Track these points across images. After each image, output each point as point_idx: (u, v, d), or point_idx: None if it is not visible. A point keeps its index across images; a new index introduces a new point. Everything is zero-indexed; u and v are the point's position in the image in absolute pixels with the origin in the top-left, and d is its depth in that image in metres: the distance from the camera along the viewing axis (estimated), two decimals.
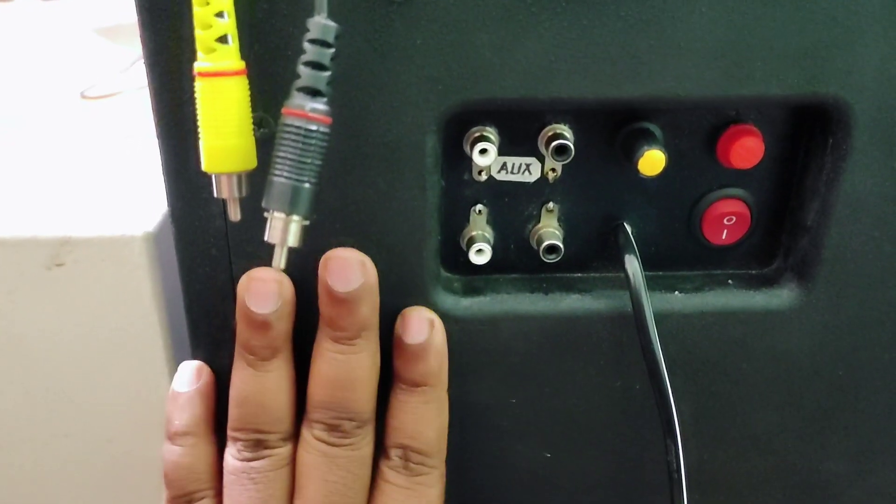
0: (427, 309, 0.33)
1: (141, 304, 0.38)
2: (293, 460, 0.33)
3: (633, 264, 0.33)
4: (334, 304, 0.31)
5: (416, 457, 0.33)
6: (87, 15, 0.80)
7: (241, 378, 0.32)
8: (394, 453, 0.34)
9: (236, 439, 0.33)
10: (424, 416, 0.33)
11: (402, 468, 0.33)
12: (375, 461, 0.34)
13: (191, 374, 0.34)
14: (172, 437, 0.34)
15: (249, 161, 0.28)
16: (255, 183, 0.29)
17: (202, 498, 0.34)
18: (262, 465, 0.33)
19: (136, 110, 0.59)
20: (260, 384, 0.32)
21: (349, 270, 0.31)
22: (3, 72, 0.67)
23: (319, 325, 0.32)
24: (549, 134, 0.32)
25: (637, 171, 0.32)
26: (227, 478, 0.33)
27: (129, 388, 0.40)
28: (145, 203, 0.39)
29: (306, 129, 0.27)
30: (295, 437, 0.33)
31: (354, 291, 0.31)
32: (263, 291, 0.31)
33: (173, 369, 0.40)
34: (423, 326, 0.33)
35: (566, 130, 0.33)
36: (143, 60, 0.29)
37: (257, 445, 0.33)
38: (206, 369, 0.34)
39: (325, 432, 0.32)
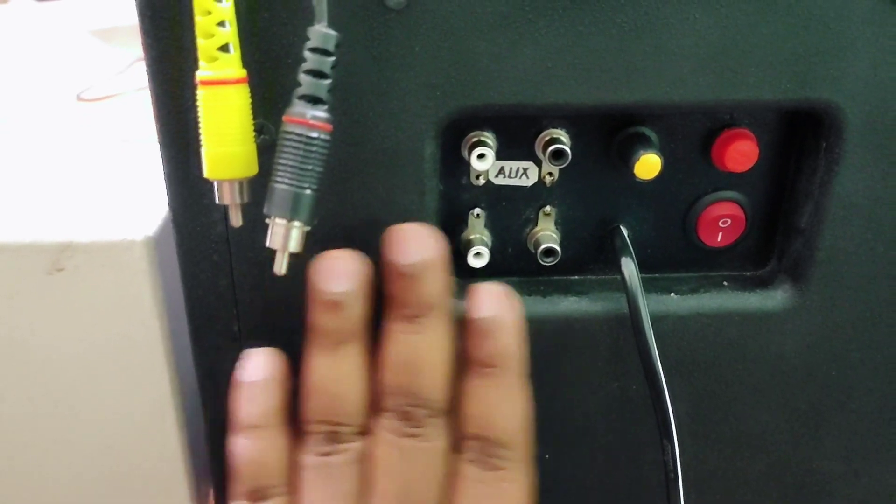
0: (501, 284, 0.31)
1: (142, 309, 0.38)
2: (368, 455, 0.31)
3: (629, 267, 0.34)
4: (398, 279, 0.29)
5: (494, 449, 0.30)
6: (83, 17, 0.80)
7: (315, 366, 0.31)
8: (470, 445, 0.31)
9: (311, 432, 0.31)
10: (500, 403, 0.30)
11: (479, 462, 0.30)
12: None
13: (261, 362, 0.32)
14: (242, 429, 0.32)
15: (251, 168, 0.29)
16: (256, 189, 0.29)
17: (276, 494, 0.32)
18: (338, 461, 0.31)
19: (132, 112, 0.59)
20: (334, 372, 0.30)
21: (411, 242, 0.29)
22: (1, 74, 0.67)
23: (386, 306, 0.30)
24: (546, 139, 0.33)
25: (633, 174, 0.32)
26: (303, 473, 0.31)
27: (130, 394, 0.40)
28: (145, 207, 0.39)
29: (307, 137, 0.27)
30: (369, 431, 0.31)
31: (417, 264, 0.29)
32: (337, 270, 0.29)
33: (174, 375, 0.40)
34: (491, 300, 0.30)
35: (563, 135, 0.33)
36: (141, 62, 0.29)
37: (333, 439, 0.31)
38: (279, 356, 0.32)
39: (396, 421, 0.30)
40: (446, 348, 0.30)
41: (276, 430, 0.32)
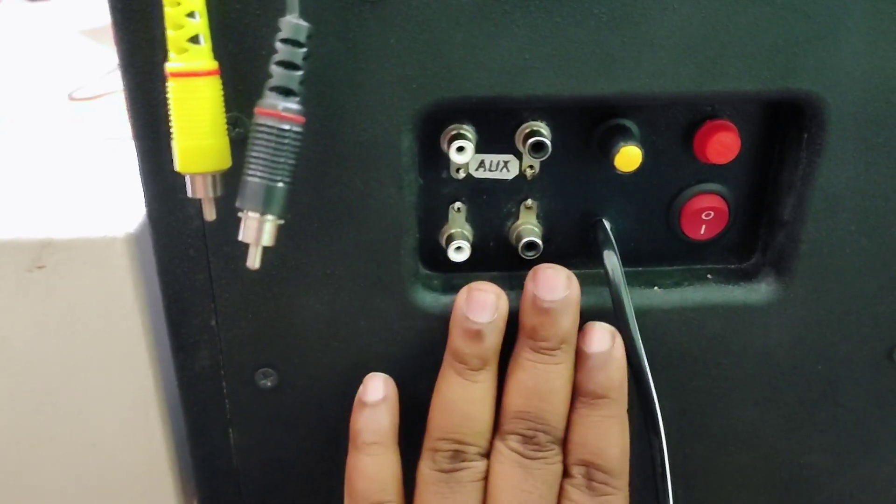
0: (607, 325, 0.34)
1: (123, 306, 0.38)
2: (486, 477, 0.33)
3: (612, 260, 0.33)
4: (538, 313, 0.32)
5: (600, 475, 0.33)
6: (74, 16, 0.80)
7: (449, 387, 0.33)
8: (577, 471, 0.33)
9: (436, 449, 0.33)
10: (607, 432, 0.33)
11: (585, 487, 0.33)
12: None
13: (379, 385, 0.34)
14: (361, 446, 0.34)
15: (223, 161, 0.28)
16: (231, 183, 0.29)
17: None
18: (460, 476, 0.33)
19: (123, 112, 0.59)
20: (468, 394, 0.33)
21: (556, 281, 0.32)
22: None
23: (519, 337, 0.33)
24: (526, 131, 0.32)
25: (614, 167, 0.32)
26: (422, 487, 0.33)
27: (113, 391, 0.40)
28: (127, 204, 0.39)
29: (279, 129, 0.27)
30: (489, 455, 0.34)
31: (560, 301, 0.32)
32: (482, 302, 0.32)
33: (157, 371, 0.40)
34: (605, 336, 0.33)
35: (543, 127, 0.33)
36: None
37: (456, 457, 0.33)
38: (391, 381, 0.35)
39: (520, 444, 0.33)
40: (570, 381, 0.33)
41: (391, 448, 0.34)
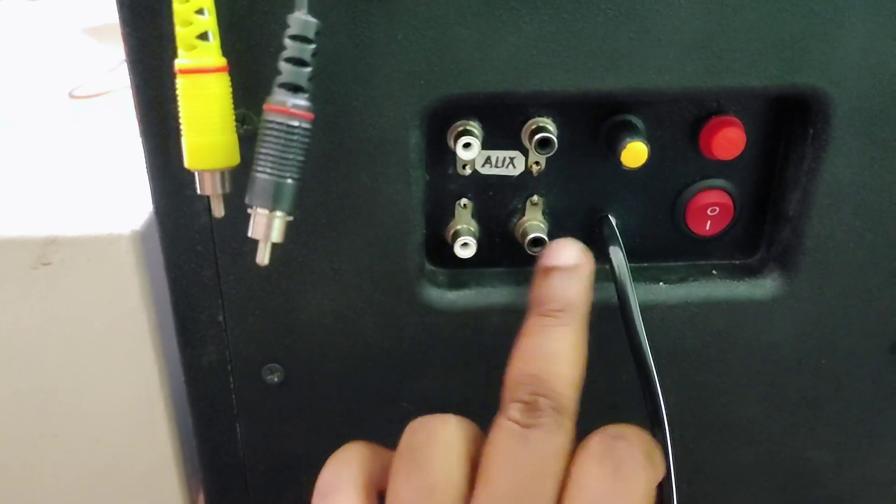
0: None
1: (129, 303, 0.38)
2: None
3: (617, 256, 0.33)
4: (543, 277, 0.31)
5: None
6: (75, 14, 0.80)
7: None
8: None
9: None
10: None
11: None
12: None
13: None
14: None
15: (232, 157, 0.28)
16: (240, 179, 0.29)
17: None
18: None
19: (124, 110, 0.59)
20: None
21: (565, 250, 0.31)
22: None
23: (529, 311, 0.31)
24: (533, 127, 0.33)
25: (620, 163, 0.32)
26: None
27: (118, 388, 0.40)
28: (132, 202, 0.39)
29: (288, 126, 0.27)
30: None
31: (565, 266, 0.31)
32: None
33: (163, 368, 0.40)
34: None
35: (549, 124, 0.33)
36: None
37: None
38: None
39: (519, 412, 0.28)
40: (581, 349, 0.30)
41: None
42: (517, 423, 0.28)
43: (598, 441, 0.28)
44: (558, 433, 0.28)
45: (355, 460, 0.30)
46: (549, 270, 0.31)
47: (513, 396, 0.29)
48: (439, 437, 0.29)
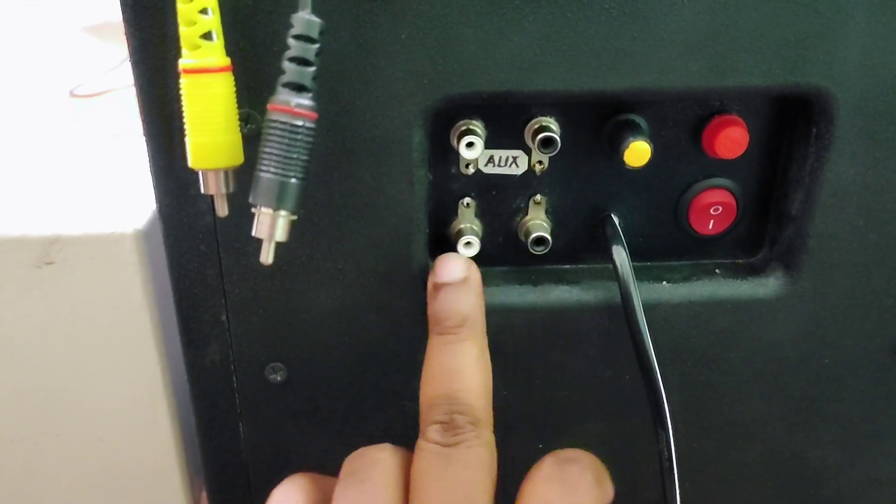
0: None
1: (132, 302, 0.38)
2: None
3: (620, 255, 0.34)
4: (436, 294, 0.32)
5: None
6: (76, 13, 0.80)
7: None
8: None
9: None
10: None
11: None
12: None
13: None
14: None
15: (236, 157, 0.28)
16: (243, 178, 0.29)
17: None
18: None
19: (125, 108, 0.59)
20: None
21: (451, 264, 0.32)
22: None
23: (430, 332, 0.32)
24: (536, 127, 0.33)
25: (623, 162, 0.32)
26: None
27: (121, 387, 0.40)
28: (135, 201, 0.39)
29: (292, 125, 0.27)
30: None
31: (455, 282, 0.32)
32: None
33: (165, 367, 0.40)
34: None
35: (552, 123, 0.33)
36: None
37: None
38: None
39: (438, 433, 0.29)
40: (482, 359, 0.31)
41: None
42: (438, 443, 0.29)
43: (549, 463, 0.29)
44: (479, 445, 0.29)
45: (300, 489, 0.31)
46: (440, 287, 0.32)
47: (429, 419, 0.30)
48: (377, 461, 0.30)
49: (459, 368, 0.30)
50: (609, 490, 0.30)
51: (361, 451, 0.31)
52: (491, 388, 0.31)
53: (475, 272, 0.33)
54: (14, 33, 0.76)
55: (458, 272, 0.32)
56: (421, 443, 0.30)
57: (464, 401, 0.30)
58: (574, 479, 0.29)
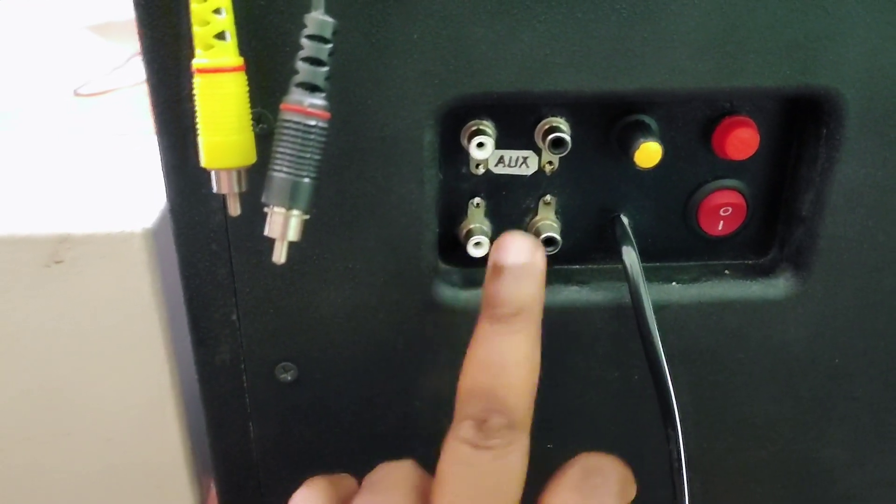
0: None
1: (141, 301, 0.38)
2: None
3: (630, 256, 0.34)
4: (495, 276, 0.29)
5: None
6: (80, 12, 0.80)
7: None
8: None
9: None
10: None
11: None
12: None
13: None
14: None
15: (249, 156, 0.28)
16: (255, 178, 0.29)
17: None
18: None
19: (129, 107, 0.59)
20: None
21: (518, 244, 0.29)
22: None
23: (481, 312, 0.29)
24: (546, 127, 0.33)
25: (633, 163, 0.32)
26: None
27: (129, 387, 0.40)
28: (143, 199, 0.39)
29: (305, 125, 0.27)
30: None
31: (517, 265, 0.29)
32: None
33: (174, 367, 0.40)
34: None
35: (563, 123, 0.33)
36: (139, 57, 0.29)
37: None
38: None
39: (471, 430, 0.27)
40: (533, 357, 0.29)
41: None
42: (468, 442, 0.28)
43: (575, 472, 0.29)
44: (511, 452, 0.28)
45: (320, 493, 0.31)
46: (500, 269, 0.29)
47: (465, 412, 0.28)
48: (397, 472, 0.30)
49: (505, 363, 0.28)
50: (632, 492, 0.30)
51: (384, 464, 0.30)
52: (535, 389, 0.29)
53: (541, 258, 0.29)
54: (18, 32, 0.76)
55: (524, 254, 0.29)
56: (452, 441, 0.28)
57: (504, 400, 0.28)
58: (599, 488, 0.28)
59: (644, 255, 0.34)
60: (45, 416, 0.41)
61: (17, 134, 0.51)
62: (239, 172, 0.28)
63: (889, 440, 0.39)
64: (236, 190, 0.29)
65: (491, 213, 0.35)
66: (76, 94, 0.63)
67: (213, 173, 0.28)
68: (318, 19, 0.27)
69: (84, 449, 0.42)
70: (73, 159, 0.45)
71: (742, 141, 0.33)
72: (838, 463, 0.39)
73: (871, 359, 0.37)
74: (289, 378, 0.35)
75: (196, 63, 0.27)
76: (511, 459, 0.28)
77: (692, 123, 0.34)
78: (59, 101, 0.61)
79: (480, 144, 0.32)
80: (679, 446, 0.33)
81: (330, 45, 0.27)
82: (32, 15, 0.81)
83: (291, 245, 0.28)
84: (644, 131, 0.32)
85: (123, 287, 0.38)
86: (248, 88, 0.28)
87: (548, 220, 0.35)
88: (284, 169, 0.27)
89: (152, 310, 0.38)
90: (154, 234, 0.37)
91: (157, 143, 0.30)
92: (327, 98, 0.27)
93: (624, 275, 0.33)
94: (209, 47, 0.27)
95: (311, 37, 0.27)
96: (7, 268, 0.37)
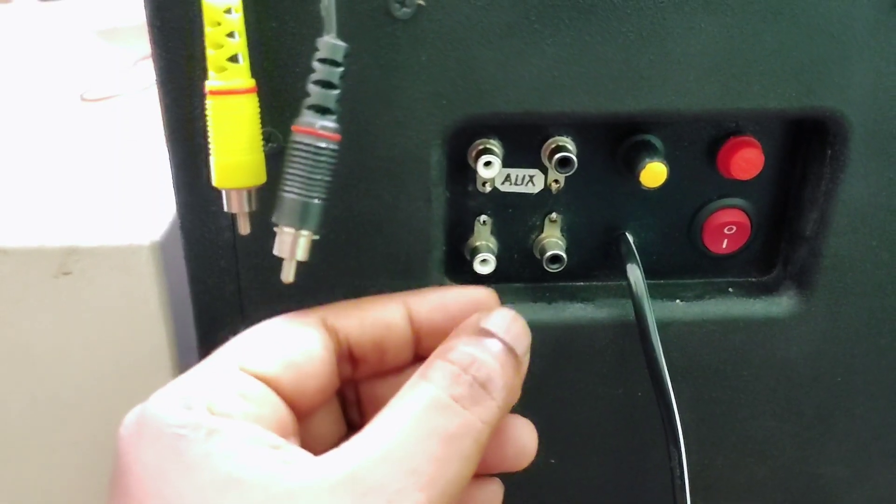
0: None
1: (147, 313, 0.38)
2: None
3: (635, 273, 0.34)
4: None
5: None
6: (87, 17, 0.80)
7: None
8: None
9: None
10: None
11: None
12: None
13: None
14: None
15: (259, 176, 0.29)
16: (264, 196, 0.29)
17: None
18: None
19: (136, 113, 0.59)
20: None
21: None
22: (3, 74, 0.67)
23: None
24: (553, 146, 0.33)
25: (639, 182, 0.32)
26: None
27: (136, 397, 0.40)
28: (151, 211, 0.39)
29: (316, 147, 0.27)
30: None
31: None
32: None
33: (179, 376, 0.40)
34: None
35: (569, 143, 0.33)
36: (145, 61, 0.30)
37: None
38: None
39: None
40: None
41: None
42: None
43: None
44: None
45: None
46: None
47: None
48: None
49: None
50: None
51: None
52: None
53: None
54: (25, 37, 0.77)
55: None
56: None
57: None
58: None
59: (648, 273, 0.35)
60: (52, 426, 0.41)
61: (25, 139, 0.52)
62: (249, 192, 0.29)
63: (890, 458, 0.39)
64: (246, 209, 0.29)
65: (497, 231, 0.35)
66: (83, 98, 0.63)
67: (223, 192, 0.29)
68: (330, 43, 0.27)
69: (91, 459, 0.42)
70: (80, 167, 0.46)
71: (747, 161, 0.33)
72: (839, 480, 0.40)
73: (873, 377, 0.37)
74: None
75: (209, 85, 0.27)
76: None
77: (698, 143, 0.34)
78: (66, 106, 0.61)
79: (488, 163, 0.32)
80: (682, 463, 0.33)
81: (341, 69, 0.27)
82: (40, 19, 0.81)
83: (300, 264, 0.29)
84: (650, 151, 0.33)
85: (131, 299, 0.38)
86: (259, 109, 0.28)
87: (553, 238, 0.35)
88: (295, 190, 0.27)
89: (159, 321, 0.39)
90: (162, 246, 0.37)
91: (168, 161, 0.31)
92: (338, 120, 0.28)
93: (628, 292, 0.34)
94: (222, 69, 0.27)
95: (323, 60, 0.27)
96: (16, 279, 0.38)
